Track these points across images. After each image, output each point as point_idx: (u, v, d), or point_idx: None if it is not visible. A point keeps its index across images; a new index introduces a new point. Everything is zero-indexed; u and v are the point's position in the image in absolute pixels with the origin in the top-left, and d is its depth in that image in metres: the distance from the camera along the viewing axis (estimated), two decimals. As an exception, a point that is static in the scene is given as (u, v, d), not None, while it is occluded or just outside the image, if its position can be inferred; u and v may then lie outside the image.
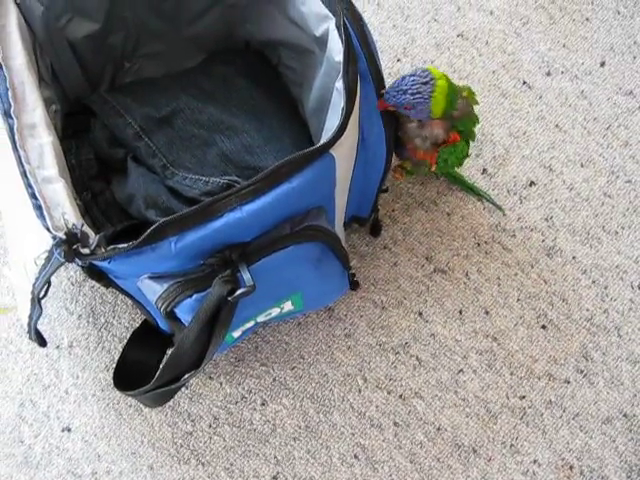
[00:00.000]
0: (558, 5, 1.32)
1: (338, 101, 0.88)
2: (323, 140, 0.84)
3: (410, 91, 0.91)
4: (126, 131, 1.06)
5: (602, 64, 1.28)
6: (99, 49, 1.11)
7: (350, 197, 1.00)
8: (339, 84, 0.88)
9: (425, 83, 0.92)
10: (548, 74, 1.27)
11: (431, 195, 1.19)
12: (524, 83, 1.27)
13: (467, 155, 1.04)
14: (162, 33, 1.15)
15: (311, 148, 0.83)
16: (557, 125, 1.24)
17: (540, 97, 1.26)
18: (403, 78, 0.92)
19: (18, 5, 0.95)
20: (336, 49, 0.92)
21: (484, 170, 1.21)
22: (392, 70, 1.28)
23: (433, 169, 1.04)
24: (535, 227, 1.18)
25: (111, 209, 1.04)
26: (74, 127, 1.09)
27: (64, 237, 0.77)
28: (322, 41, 0.96)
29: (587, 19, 1.31)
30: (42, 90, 1.00)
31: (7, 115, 0.86)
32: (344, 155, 0.88)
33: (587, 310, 1.14)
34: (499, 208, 1.18)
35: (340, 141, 0.85)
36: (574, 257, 1.17)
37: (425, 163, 1.03)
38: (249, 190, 0.82)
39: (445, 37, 1.31)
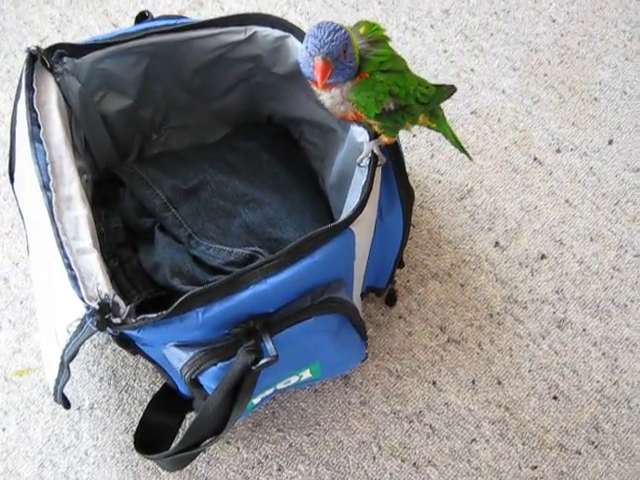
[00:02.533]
0: (567, 85, 1.38)
1: (359, 179, 0.93)
2: (344, 216, 0.88)
3: (333, 38, 0.82)
4: (154, 202, 1.11)
5: (610, 142, 1.33)
6: (130, 122, 1.17)
7: (368, 269, 1.04)
8: (364, 162, 0.93)
9: (339, 29, 0.83)
10: (558, 151, 1.32)
11: (445, 266, 1.23)
12: (535, 159, 1.32)
13: (400, 86, 0.89)
14: (190, 107, 1.21)
15: (333, 224, 0.87)
16: (567, 200, 1.28)
17: (550, 173, 1.31)
18: (313, 34, 0.83)
19: (58, 83, 1.01)
20: (358, 131, 0.97)
21: (496, 243, 1.25)
22: (408, 145, 1.34)
23: (372, 123, 0.92)
24: (546, 299, 1.21)
25: (137, 277, 1.08)
26: (103, 195, 1.15)
27: (97, 307, 0.81)
28: (346, 124, 1.01)
29: (595, 99, 1.37)
30: (75, 161, 1.05)
31: (46, 188, 0.91)
32: (363, 231, 0.92)
33: (597, 382, 1.16)
34: (469, 157, 1.08)
35: (360, 217, 0.89)
36: (584, 329, 1.19)
37: (366, 122, 0.93)
38: (274, 264, 0.86)
39: (459, 114, 1.37)
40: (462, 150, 1.05)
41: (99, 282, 0.85)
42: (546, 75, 1.39)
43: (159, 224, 1.11)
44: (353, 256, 0.93)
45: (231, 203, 1.12)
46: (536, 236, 1.26)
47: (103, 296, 0.83)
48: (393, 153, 0.96)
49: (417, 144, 1.34)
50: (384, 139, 0.93)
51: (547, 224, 1.26)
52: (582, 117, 1.35)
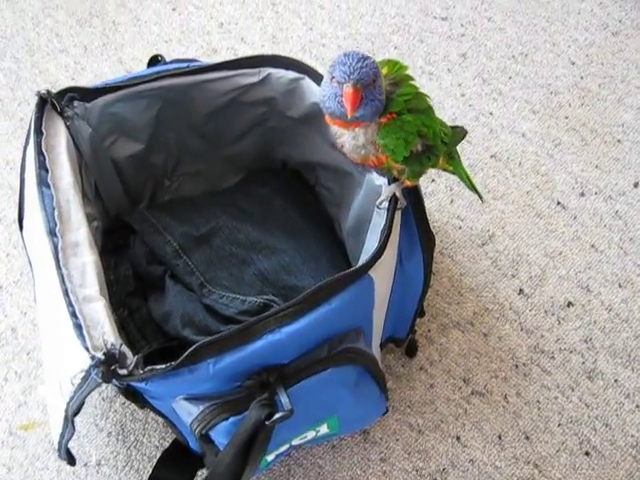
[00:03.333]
0: (589, 128, 1.35)
1: (378, 222, 0.89)
2: (362, 261, 0.84)
3: (363, 65, 0.78)
4: (165, 249, 1.07)
5: (636, 185, 1.29)
6: (141, 168, 1.15)
7: (387, 318, 0.99)
8: (383, 204, 0.89)
9: (367, 57, 0.78)
10: (582, 195, 1.28)
11: (467, 315, 1.18)
12: (558, 203, 1.28)
13: (428, 125, 0.85)
14: (202, 153, 1.18)
15: (350, 270, 0.83)
16: (593, 245, 1.23)
17: (575, 217, 1.26)
18: (341, 61, 0.78)
19: (68, 127, 0.99)
20: (375, 176, 0.94)
21: (521, 290, 1.20)
22: (427, 190, 1.30)
23: (397, 167, 0.87)
24: (574, 349, 1.15)
25: (147, 326, 1.04)
26: (114, 243, 1.11)
27: (102, 357, 0.77)
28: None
29: (618, 141, 1.33)
30: (85, 207, 1.02)
31: (52, 234, 0.87)
32: (383, 277, 0.88)
33: (632, 436, 1.10)
34: (479, 197, 1.04)
35: (379, 262, 0.85)
36: (616, 380, 1.13)
37: (387, 166, 0.87)
38: (288, 312, 0.82)
39: (479, 158, 1.33)
40: (475, 191, 1.01)
41: (105, 331, 0.81)
42: (567, 118, 1.36)
43: (170, 272, 1.07)
44: (372, 304, 0.88)
45: (244, 250, 1.09)
46: (562, 283, 1.20)
47: (109, 346, 0.78)
48: (413, 197, 0.92)
49: (436, 189, 1.31)
50: (407, 182, 0.90)
51: (573, 270, 1.21)
52: (606, 160, 1.31)
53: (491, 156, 1.33)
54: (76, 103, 1.00)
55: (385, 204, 0.88)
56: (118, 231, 1.13)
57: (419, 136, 0.84)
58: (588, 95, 1.38)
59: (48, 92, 0.97)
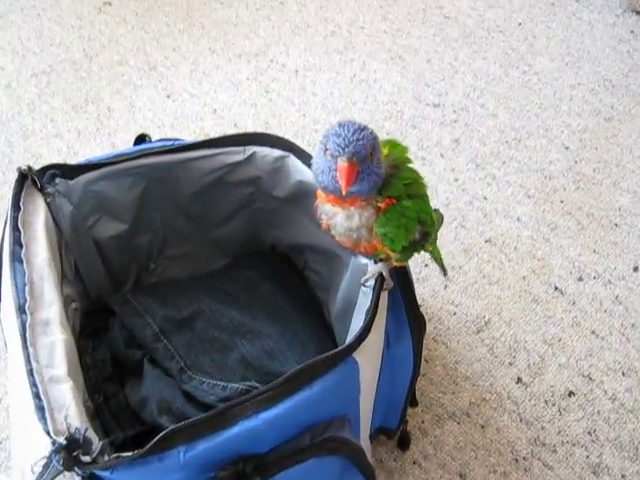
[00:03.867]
0: (585, 212, 1.32)
1: (364, 302, 0.85)
2: (347, 342, 0.79)
3: (359, 136, 0.72)
4: (145, 332, 1.02)
5: (635, 269, 1.25)
6: (125, 249, 1.12)
7: (376, 407, 0.93)
8: (367, 285, 0.85)
9: (364, 128, 0.74)
10: (580, 279, 1.24)
11: (463, 405, 1.11)
12: (556, 289, 1.24)
13: (426, 212, 0.80)
14: (189, 235, 1.16)
15: (333, 351, 0.78)
16: (593, 332, 1.18)
17: (573, 303, 1.22)
18: (335, 132, 0.73)
19: (48, 204, 0.97)
20: (362, 252, 0.90)
21: (519, 379, 1.14)
22: (419, 275, 1.27)
23: (392, 255, 0.81)
24: (577, 442, 1.08)
25: (123, 413, 0.98)
26: (93, 326, 1.07)
27: (64, 442, 0.71)
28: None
29: (616, 224, 1.30)
30: (63, 287, 0.99)
31: (21, 310, 0.83)
32: (369, 361, 0.82)
33: (644, 540, 1.01)
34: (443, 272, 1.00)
35: (364, 344, 0.80)
36: (623, 476, 1.05)
37: (378, 252, 0.81)
38: (266, 396, 0.76)
39: (473, 243, 1.30)
40: (441, 265, 0.98)
41: (70, 414, 0.75)
42: (562, 202, 1.34)
43: (149, 356, 1.02)
44: (358, 389, 0.83)
45: (228, 334, 1.04)
46: (562, 371, 1.15)
47: (72, 430, 0.73)
48: (402, 278, 0.88)
49: (429, 275, 1.27)
50: (395, 263, 0.86)
51: (573, 357, 1.16)
52: (603, 244, 1.28)
53: (486, 241, 1.30)
54: (58, 180, 0.98)
55: (371, 282, 0.84)
56: (98, 313, 1.08)
57: (419, 223, 0.80)
58: (583, 179, 1.37)
59: (29, 168, 0.95)
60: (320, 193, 0.80)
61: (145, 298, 1.07)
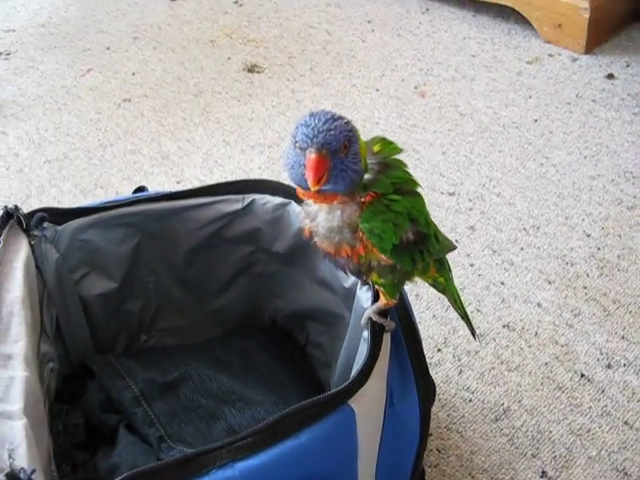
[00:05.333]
0: (611, 298, 1.23)
1: (364, 349, 0.75)
2: (341, 386, 0.69)
3: (330, 126, 0.65)
4: (124, 394, 0.93)
5: (670, 359, 1.14)
6: (114, 313, 1.04)
7: (379, 476, 0.81)
8: (366, 333, 0.76)
9: (338, 118, 0.66)
10: (609, 367, 1.13)
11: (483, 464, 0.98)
12: (582, 376, 1.12)
13: (419, 210, 0.73)
14: (184, 306, 1.08)
15: (326, 394, 0.68)
16: (626, 422, 1.05)
17: (602, 391, 1.10)
18: (304, 122, 0.66)
19: (32, 248, 0.91)
20: (364, 297, 0.82)
21: (543, 473, 1.01)
22: (432, 360, 1.16)
23: (383, 257, 0.71)
24: None
25: (90, 483, 0.87)
26: (71, 392, 0.98)
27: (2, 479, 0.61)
28: (351, 293, 0.87)
29: (645, 314, 1.21)
30: (41, 344, 0.91)
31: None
32: (367, 412, 0.72)
33: None
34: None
35: (362, 392, 0.70)
36: None
37: (366, 259, 0.71)
38: (245, 443, 0.66)
39: (490, 327, 1.21)
40: (467, 321, 0.88)
41: (19, 453, 0.65)
42: (585, 288, 1.25)
43: (126, 422, 0.92)
44: (354, 446, 0.72)
45: (215, 402, 0.94)
46: (593, 465, 1.01)
47: (17, 469, 0.62)
48: (405, 323, 0.80)
49: (442, 359, 1.17)
50: (382, 301, 0.77)
51: (605, 450, 1.02)
52: (632, 330, 1.17)
53: (504, 326, 1.21)
54: (46, 224, 0.93)
55: (368, 319, 0.76)
56: (78, 379, 0.99)
57: (410, 220, 0.71)
58: (607, 266, 1.28)
59: (15, 207, 0.90)
60: (299, 191, 0.72)
61: (128, 361, 0.99)
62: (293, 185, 0.92)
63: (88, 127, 1.76)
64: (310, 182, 0.64)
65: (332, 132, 0.65)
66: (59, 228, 0.94)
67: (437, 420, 1.09)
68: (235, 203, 0.95)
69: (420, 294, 1.27)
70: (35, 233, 0.91)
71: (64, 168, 1.63)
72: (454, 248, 0.82)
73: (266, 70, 1.89)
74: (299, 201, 0.91)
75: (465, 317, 0.87)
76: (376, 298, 0.79)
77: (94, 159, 1.65)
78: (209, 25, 2.12)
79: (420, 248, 0.73)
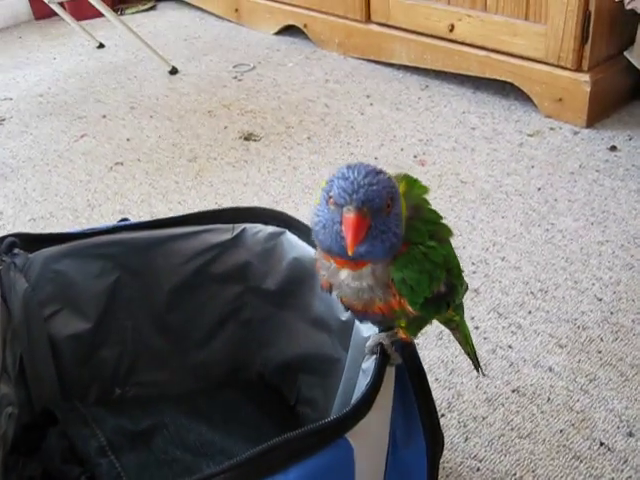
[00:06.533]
0: (628, 363, 1.13)
1: (363, 383, 0.66)
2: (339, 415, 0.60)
3: (373, 181, 0.57)
4: (89, 443, 0.82)
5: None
6: (86, 360, 0.94)
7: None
8: (365, 364, 0.67)
9: (380, 172, 0.59)
10: (630, 435, 1.02)
11: None
12: (602, 444, 1.01)
13: (454, 258, 0.66)
14: (164, 358, 0.99)
15: (320, 423, 0.58)
16: (657, 496, 0.94)
17: (625, 461, 0.99)
18: (342, 175, 0.58)
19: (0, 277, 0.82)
20: (365, 327, 0.73)
21: None
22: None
23: (410, 312, 0.63)
24: None
25: None
26: (31, 443, 0.86)
27: None
28: (348, 326, 0.78)
29: (665, 383, 1.11)
30: (1, 385, 0.81)
31: None
32: (368, 451, 0.62)
33: None
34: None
35: (362, 426, 0.60)
36: None
37: (397, 313, 0.64)
38: (223, 478, 0.56)
39: (497, 392, 1.11)
40: (474, 358, 0.80)
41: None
42: (600, 352, 1.16)
43: (89, 474, 0.80)
44: (351, 491, 0.61)
45: (192, 455, 0.83)
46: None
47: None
48: (410, 360, 0.71)
49: (447, 425, 1.06)
50: (401, 334, 0.68)
51: (634, 524, 0.91)
52: (654, 397, 1.08)
53: (513, 390, 1.11)
54: (16, 250, 0.85)
55: (377, 343, 0.66)
56: (40, 429, 0.88)
57: (447, 270, 0.63)
58: (622, 330, 1.20)
59: (-17, 230, 0.83)
60: (320, 254, 0.64)
61: (97, 408, 0.88)
62: (289, 215, 0.86)
63: (77, 188, 1.71)
64: (348, 244, 0.56)
65: (374, 187, 0.57)
66: (30, 256, 0.86)
67: (442, 491, 0.97)
68: (224, 233, 0.87)
69: (423, 357, 1.17)
70: (4, 259, 0.83)
71: (49, 226, 1.56)
72: (467, 288, 0.74)
73: (263, 138, 1.86)
74: (295, 230, 0.85)
75: (473, 354, 0.78)
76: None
77: (81, 218, 1.59)
78: (207, 97, 2.11)
79: (447, 299, 0.66)
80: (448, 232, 0.66)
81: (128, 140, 1.91)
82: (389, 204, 0.58)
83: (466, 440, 1.04)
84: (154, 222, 0.88)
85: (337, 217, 0.57)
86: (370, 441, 0.62)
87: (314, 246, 0.80)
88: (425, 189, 0.66)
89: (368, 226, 0.57)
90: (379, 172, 0.58)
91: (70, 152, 1.87)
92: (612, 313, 1.23)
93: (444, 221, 0.67)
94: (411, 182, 0.65)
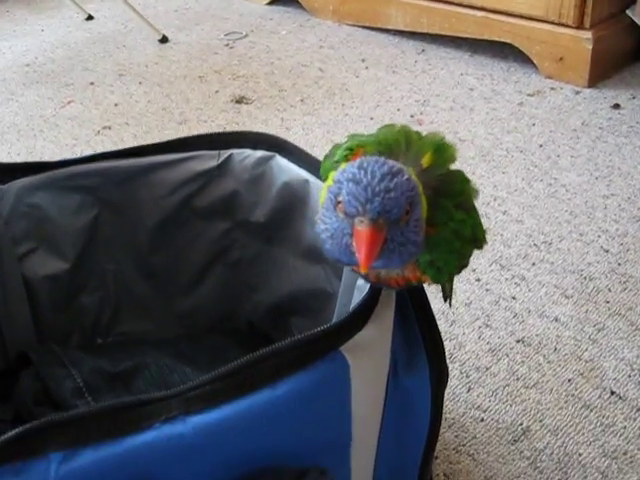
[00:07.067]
0: (638, 312, 1.08)
1: (358, 299, 0.60)
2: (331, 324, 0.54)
3: (390, 185, 0.48)
4: (64, 384, 0.76)
5: None
6: (64, 306, 0.88)
7: (378, 474, 0.64)
8: (361, 281, 0.62)
9: (397, 172, 0.49)
10: (643, 386, 0.97)
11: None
12: (613, 393, 0.96)
13: (481, 226, 0.59)
14: (148, 305, 0.93)
15: (311, 332, 0.53)
16: (674, 444, 0.89)
17: (638, 409, 0.93)
18: (353, 176, 0.49)
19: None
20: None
21: (576, 502, 0.83)
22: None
23: (428, 280, 0.57)
24: None
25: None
26: (3, 390, 0.81)
27: None
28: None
29: (678, 332, 1.06)
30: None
31: None
32: (365, 371, 0.56)
33: None
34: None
35: (359, 340, 0.55)
36: None
37: (413, 284, 0.58)
38: (204, 392, 0.50)
39: (501, 343, 1.05)
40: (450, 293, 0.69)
41: None
42: (608, 302, 1.11)
43: (64, 416, 0.74)
44: (347, 413, 0.55)
45: (176, 397, 0.77)
46: (637, 492, 0.84)
47: None
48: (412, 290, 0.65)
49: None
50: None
51: (652, 480, 0.85)
52: (667, 347, 1.02)
53: (517, 341, 1.05)
54: (-14, 182, 0.79)
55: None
56: (15, 373, 0.82)
57: (474, 242, 0.57)
58: (630, 280, 1.14)
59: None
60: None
61: (76, 351, 0.82)
62: (280, 137, 0.81)
63: (63, 152, 1.64)
64: (361, 261, 0.47)
65: (392, 194, 0.48)
66: (3, 187, 0.80)
67: (443, 441, 0.92)
68: (210, 160, 0.81)
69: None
70: (-27, 190, 0.77)
71: (32, 188, 1.50)
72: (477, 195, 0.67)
73: (255, 101, 1.80)
74: (286, 153, 0.79)
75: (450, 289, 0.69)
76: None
77: (66, 180, 1.52)
78: (198, 64, 2.05)
79: (465, 267, 0.59)
80: (474, 195, 0.58)
81: (116, 105, 1.84)
82: (408, 211, 0.49)
83: (469, 390, 0.98)
84: (135, 149, 0.82)
85: (347, 228, 0.49)
86: (368, 362, 0.56)
87: (306, 169, 0.76)
88: (454, 153, 0.57)
89: (382, 238, 0.48)
90: (397, 172, 0.49)
91: (56, 117, 1.81)
92: (619, 264, 1.18)
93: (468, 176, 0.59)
94: (440, 149, 0.55)
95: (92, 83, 1.98)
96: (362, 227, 0.47)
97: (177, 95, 1.87)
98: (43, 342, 0.87)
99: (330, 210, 0.50)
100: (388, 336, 0.58)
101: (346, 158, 0.55)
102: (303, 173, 0.74)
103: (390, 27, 2.07)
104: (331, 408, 0.54)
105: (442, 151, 0.55)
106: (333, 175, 0.51)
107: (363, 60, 1.97)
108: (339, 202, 0.49)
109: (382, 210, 0.47)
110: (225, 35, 2.22)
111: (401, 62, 1.94)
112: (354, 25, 2.17)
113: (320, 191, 0.53)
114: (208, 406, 0.49)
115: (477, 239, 0.57)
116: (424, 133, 0.58)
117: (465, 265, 0.58)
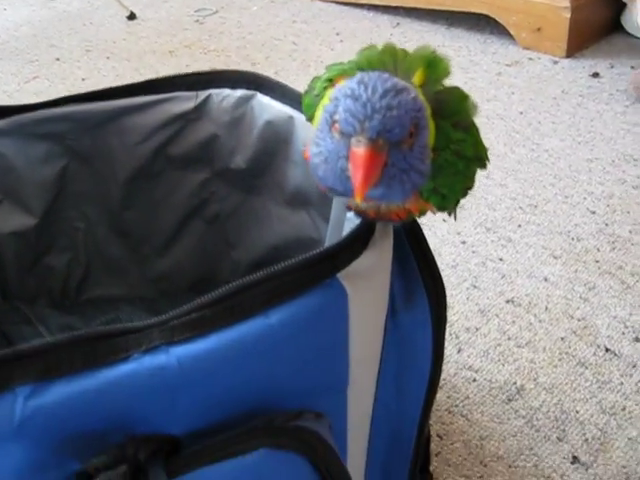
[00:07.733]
0: (628, 271, 1.05)
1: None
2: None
3: (392, 102, 0.43)
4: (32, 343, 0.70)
5: None
6: (32, 264, 0.82)
7: (374, 430, 0.59)
8: (350, 213, 0.57)
9: (402, 89, 0.44)
10: (637, 340, 0.94)
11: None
12: (607, 350, 0.93)
13: (482, 143, 0.53)
14: (121, 266, 0.87)
15: (306, 255, 0.48)
16: (670, 397, 0.86)
17: (634, 366, 0.91)
18: (351, 92, 0.43)
19: None
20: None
21: (575, 458, 0.79)
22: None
23: (433, 209, 0.52)
24: None
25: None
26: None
27: None
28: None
29: (668, 289, 1.03)
30: None
31: None
32: (364, 302, 0.51)
33: None
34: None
35: (357, 268, 0.50)
36: None
37: (414, 215, 0.53)
38: (189, 320, 0.45)
39: (490, 304, 1.02)
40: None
41: None
42: (598, 262, 1.08)
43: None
44: (345, 349, 0.51)
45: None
46: (635, 446, 0.80)
47: None
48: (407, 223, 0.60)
49: (437, 339, 0.96)
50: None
51: (648, 428, 0.82)
52: (659, 301, 1.00)
53: (507, 301, 1.02)
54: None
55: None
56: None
57: (478, 160, 0.52)
58: (619, 240, 1.11)
59: None
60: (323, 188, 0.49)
61: (41, 306, 0.76)
62: (261, 74, 0.76)
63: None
64: (356, 187, 0.42)
65: (394, 112, 0.42)
66: (-37, 134, 0.74)
67: (436, 402, 0.88)
68: (187, 101, 0.75)
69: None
70: None
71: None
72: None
73: (228, 75, 1.75)
74: (268, 90, 0.74)
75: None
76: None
77: (30, 153, 1.45)
78: (167, 39, 1.98)
79: (471, 188, 0.53)
80: (473, 110, 0.52)
81: (83, 80, 1.78)
82: (412, 132, 0.44)
83: (459, 351, 0.94)
84: (107, 90, 0.76)
85: (343, 150, 0.43)
86: (367, 293, 0.51)
87: (290, 104, 0.71)
88: (447, 67, 0.52)
89: (384, 163, 0.43)
90: (402, 89, 0.43)
91: (20, 93, 1.73)
92: (607, 225, 1.15)
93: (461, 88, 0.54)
94: (432, 64, 0.50)
95: (58, 59, 1.91)
96: (359, 147, 0.42)
97: (146, 69, 1.80)
98: (10, 308, 0.81)
99: (325, 131, 0.45)
100: (387, 266, 0.54)
101: (326, 90, 0.51)
102: (286, 109, 0.70)
103: (364, 2, 2.03)
104: (328, 342, 0.49)
105: (434, 66, 0.50)
106: (330, 93, 0.47)
107: (338, 34, 1.92)
108: (335, 121, 0.44)
109: (382, 129, 0.42)
110: (195, 11, 2.16)
111: (376, 36, 1.90)
112: (327, 1, 2.13)
113: (305, 128, 0.48)
114: (194, 335, 0.44)
115: (480, 157, 0.52)
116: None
117: (471, 187, 0.53)
